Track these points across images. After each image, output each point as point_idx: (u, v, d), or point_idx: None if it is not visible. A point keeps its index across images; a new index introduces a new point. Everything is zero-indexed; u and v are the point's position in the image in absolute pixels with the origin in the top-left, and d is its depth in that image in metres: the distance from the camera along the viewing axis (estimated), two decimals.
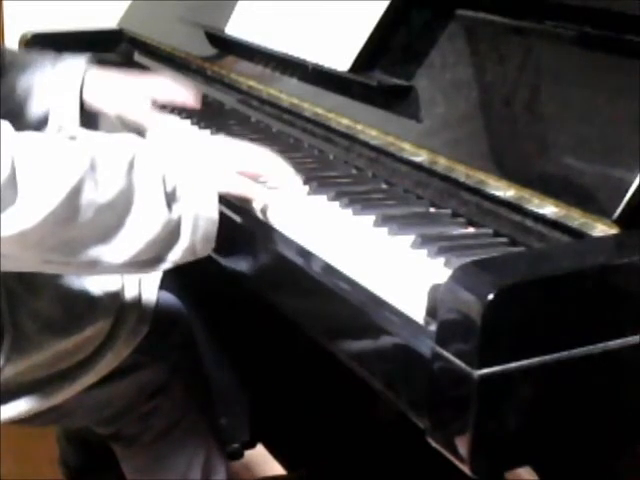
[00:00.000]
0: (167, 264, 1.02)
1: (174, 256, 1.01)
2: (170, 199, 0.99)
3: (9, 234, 0.89)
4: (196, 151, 1.09)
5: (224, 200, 1.12)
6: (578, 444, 0.91)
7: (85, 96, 1.42)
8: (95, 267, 0.98)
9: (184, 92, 1.47)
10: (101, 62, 1.49)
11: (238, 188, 1.08)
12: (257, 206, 1.12)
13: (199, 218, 1.01)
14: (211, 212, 1.02)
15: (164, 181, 0.99)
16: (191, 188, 1.01)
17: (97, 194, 0.93)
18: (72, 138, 0.99)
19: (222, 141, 1.18)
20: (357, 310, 0.93)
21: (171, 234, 0.99)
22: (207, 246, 1.04)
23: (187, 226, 1.00)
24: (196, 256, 1.04)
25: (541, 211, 0.99)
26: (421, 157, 1.16)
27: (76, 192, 0.91)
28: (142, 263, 1.00)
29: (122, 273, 1.04)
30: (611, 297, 0.85)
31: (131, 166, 0.96)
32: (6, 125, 0.92)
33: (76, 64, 1.44)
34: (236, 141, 1.17)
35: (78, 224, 0.92)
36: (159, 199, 0.98)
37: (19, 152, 0.90)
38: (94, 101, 1.43)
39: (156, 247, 0.99)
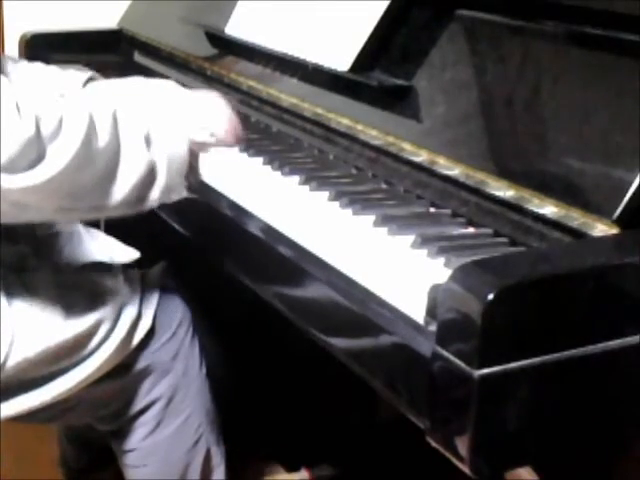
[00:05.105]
0: (150, 203, 1.14)
1: (154, 194, 1.13)
2: (147, 143, 1.12)
3: (39, 182, 1.01)
4: (165, 103, 1.22)
5: (223, 200, 1.13)
6: (578, 444, 0.91)
7: None
8: (97, 211, 1.12)
9: None
10: (101, 64, 1.48)
11: (200, 136, 1.20)
12: (258, 204, 1.12)
13: (171, 158, 1.13)
14: (181, 152, 1.14)
15: (141, 128, 1.12)
16: (163, 132, 1.14)
17: (98, 142, 1.06)
18: (61, 96, 1.10)
19: (185, 96, 1.26)
20: (357, 310, 0.93)
21: (150, 174, 1.12)
22: (180, 186, 1.16)
23: (162, 166, 1.12)
24: (170, 196, 1.15)
25: (541, 211, 0.99)
26: (421, 157, 1.16)
27: (87, 141, 1.04)
28: (132, 203, 1.12)
29: (117, 214, 1.15)
30: (611, 297, 0.85)
31: (115, 118, 1.09)
32: (23, 87, 1.03)
33: (79, 73, 1.44)
34: (198, 97, 1.25)
35: (88, 170, 1.05)
36: (140, 144, 1.11)
37: (40, 111, 1.01)
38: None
39: (140, 187, 1.11)
